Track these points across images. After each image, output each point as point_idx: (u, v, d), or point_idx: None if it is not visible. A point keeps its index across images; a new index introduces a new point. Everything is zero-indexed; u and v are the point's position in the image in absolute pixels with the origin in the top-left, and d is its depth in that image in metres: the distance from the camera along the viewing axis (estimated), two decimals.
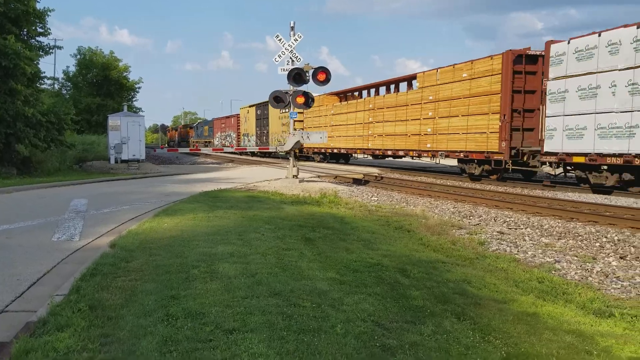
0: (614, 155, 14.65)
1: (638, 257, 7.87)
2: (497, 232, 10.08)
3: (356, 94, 32.96)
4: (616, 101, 14.61)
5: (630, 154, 14.13)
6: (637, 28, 14.18)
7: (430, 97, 22.71)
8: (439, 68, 22.41)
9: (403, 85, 26.89)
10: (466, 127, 20.48)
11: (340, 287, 5.41)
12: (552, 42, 17.01)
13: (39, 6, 20.18)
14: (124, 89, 54.62)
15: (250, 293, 5.03)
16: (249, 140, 47.07)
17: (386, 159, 29.71)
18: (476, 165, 20.60)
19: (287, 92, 16.43)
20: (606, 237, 9.09)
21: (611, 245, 8.64)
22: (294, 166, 17.02)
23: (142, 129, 29.34)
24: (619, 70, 14.54)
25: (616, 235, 9.19)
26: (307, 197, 13.98)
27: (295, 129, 17.03)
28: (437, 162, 24.05)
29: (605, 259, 7.92)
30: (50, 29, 21.22)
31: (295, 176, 16.93)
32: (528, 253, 8.35)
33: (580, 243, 8.97)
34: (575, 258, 7.97)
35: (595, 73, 15.24)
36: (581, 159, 15.78)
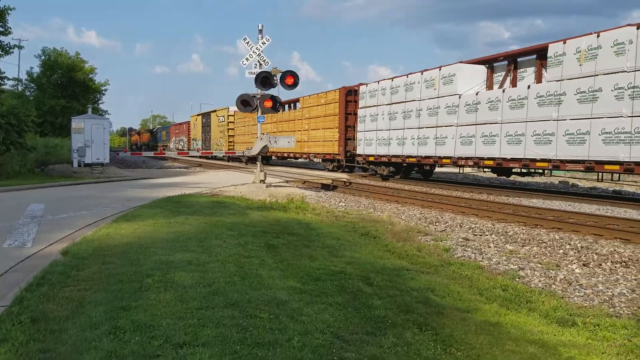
0: (384, 155, 23.74)
1: (600, 265, 7.90)
2: (463, 238, 10.05)
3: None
4: (384, 124, 23.73)
5: (390, 154, 23.31)
6: (392, 80, 23.30)
7: (306, 115, 31.92)
8: (311, 95, 31.66)
9: (297, 104, 34.47)
10: (323, 137, 29.65)
11: (301, 296, 5.23)
12: (361, 84, 26.25)
13: None
14: (90, 91, 53.53)
15: (206, 304, 4.81)
16: (196, 144, 54.26)
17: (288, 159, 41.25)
18: (330, 162, 30.14)
19: (254, 96, 16.22)
20: (569, 244, 9.12)
21: (574, 252, 8.66)
22: (261, 171, 16.78)
23: (106, 132, 28.73)
24: (385, 105, 23.70)
25: (579, 242, 9.23)
26: (273, 203, 13.77)
27: (263, 134, 16.78)
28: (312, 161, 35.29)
29: (569, 266, 7.93)
30: (10, 28, 20.57)
31: (263, 181, 16.70)
32: (492, 260, 8.31)
33: (544, 250, 8.99)
34: (539, 265, 7.96)
35: (375, 106, 24.46)
36: (372, 158, 25.08)
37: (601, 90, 13.81)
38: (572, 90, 14.57)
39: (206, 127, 50.59)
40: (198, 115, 55.47)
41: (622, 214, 12.89)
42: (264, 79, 15.47)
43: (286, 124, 34.92)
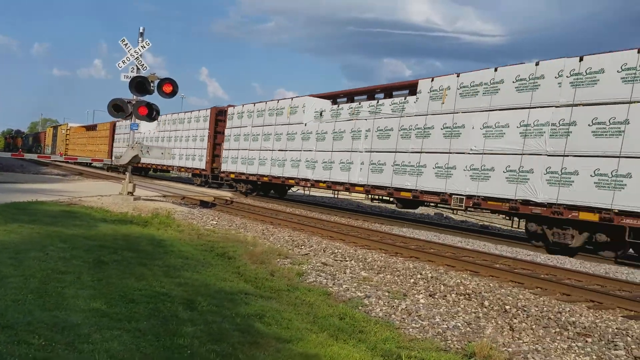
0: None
1: (445, 296, 7.91)
2: (322, 263, 9.80)
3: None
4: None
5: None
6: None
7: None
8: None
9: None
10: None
11: (99, 320, 4.61)
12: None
13: None
14: None
15: None
16: (48, 150, 64.55)
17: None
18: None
19: (129, 102, 15.27)
20: (421, 274, 9.13)
21: (424, 282, 8.66)
22: (129, 182, 15.75)
23: None
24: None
25: (431, 272, 9.27)
26: (135, 216, 12.88)
27: (136, 142, 15.82)
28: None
29: (415, 295, 7.87)
30: None
31: (131, 193, 15.67)
32: (342, 286, 8.08)
33: (396, 278, 8.92)
34: (387, 294, 7.83)
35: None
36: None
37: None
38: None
39: (55, 137, 63.77)
40: (51, 127, 73.96)
41: (481, 247, 13.33)
42: (139, 84, 14.60)
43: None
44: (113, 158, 27.71)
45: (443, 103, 15.82)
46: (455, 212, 18.56)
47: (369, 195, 19.12)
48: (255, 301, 6.34)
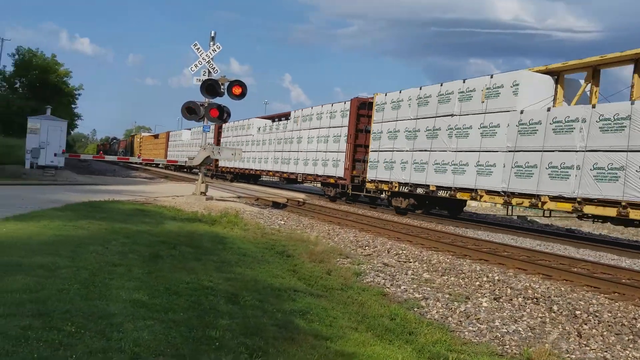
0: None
1: (511, 300, 7.39)
2: (383, 263, 9.52)
3: None
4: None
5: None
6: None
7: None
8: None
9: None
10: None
11: (136, 310, 4.62)
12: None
13: None
14: (63, 95, 52.57)
15: (12, 311, 4.18)
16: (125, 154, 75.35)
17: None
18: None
19: (202, 104, 15.68)
20: (487, 277, 8.61)
21: (489, 285, 8.16)
22: (202, 182, 16.16)
23: (63, 134, 27.89)
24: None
25: (498, 275, 8.72)
26: (205, 215, 13.14)
27: (208, 144, 16.21)
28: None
29: (479, 299, 7.42)
30: None
31: (203, 193, 16.06)
32: (400, 287, 7.78)
33: (460, 281, 8.47)
34: (448, 296, 7.44)
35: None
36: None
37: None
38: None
39: (132, 144, 77.82)
40: (130, 136, 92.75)
41: (561, 250, 12.47)
42: (210, 87, 14.95)
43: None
44: (167, 159, 28.75)
45: None
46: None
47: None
48: (303, 298, 6.19)
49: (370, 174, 20.92)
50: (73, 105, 58.93)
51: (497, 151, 14.89)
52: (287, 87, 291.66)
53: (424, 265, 9.62)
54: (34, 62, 50.33)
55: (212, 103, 15.48)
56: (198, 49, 15.57)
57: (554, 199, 13.04)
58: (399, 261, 9.91)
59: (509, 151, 14.45)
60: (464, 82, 16.66)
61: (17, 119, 46.56)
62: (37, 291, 4.78)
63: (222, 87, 15.12)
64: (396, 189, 19.18)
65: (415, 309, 6.71)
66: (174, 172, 50.01)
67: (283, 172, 29.50)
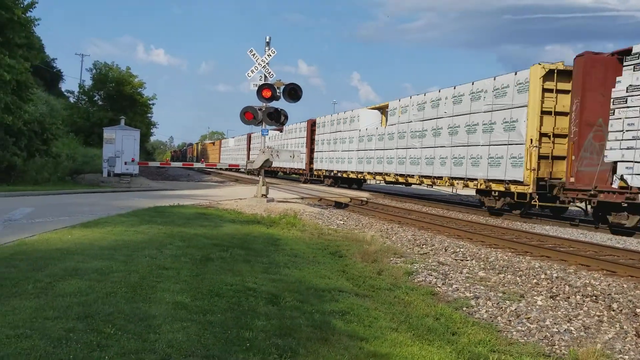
0: None
1: (568, 298, 7.08)
2: (438, 262, 9.35)
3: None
4: None
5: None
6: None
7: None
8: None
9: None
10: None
11: (176, 312, 4.80)
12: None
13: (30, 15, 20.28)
14: (138, 105, 55.08)
15: (61, 314, 4.46)
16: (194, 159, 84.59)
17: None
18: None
19: (260, 109, 15.99)
20: (545, 274, 8.28)
21: (547, 283, 7.85)
22: (263, 185, 16.47)
23: (136, 143, 29.24)
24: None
25: (557, 272, 8.37)
26: (264, 217, 13.41)
27: (267, 147, 16.51)
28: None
29: (534, 297, 7.16)
30: (41, 39, 21.28)
31: (264, 195, 16.38)
32: (452, 286, 7.63)
33: (517, 279, 8.20)
34: (501, 295, 7.22)
35: None
36: None
37: None
38: None
39: (197, 150, 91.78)
40: (195, 143, 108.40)
41: (634, 245, 11.77)
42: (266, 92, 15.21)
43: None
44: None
45: None
46: None
47: None
48: (346, 298, 6.20)
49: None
50: (148, 115, 61.70)
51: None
52: (355, 85, 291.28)
53: (481, 263, 9.38)
54: (110, 75, 53.05)
55: (269, 107, 15.75)
56: (254, 54, 15.89)
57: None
58: (455, 259, 9.71)
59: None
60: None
61: (96, 129, 49.36)
62: (86, 294, 5.07)
63: (278, 90, 15.35)
64: None
65: (464, 309, 6.56)
66: (243, 175, 51.20)
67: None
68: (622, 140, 12.58)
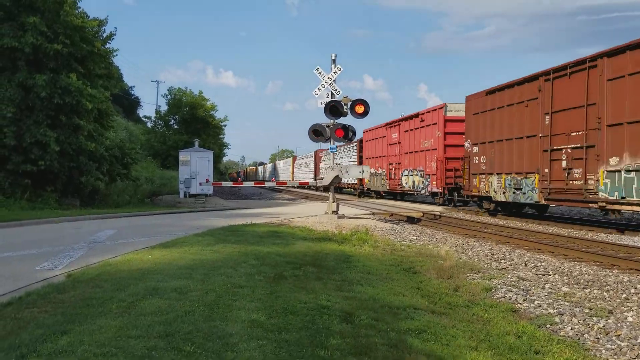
0: None
1: None
2: (518, 277, 8.98)
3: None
4: None
5: None
6: None
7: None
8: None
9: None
10: None
11: (252, 330, 4.85)
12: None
13: (109, 46, 21.53)
14: (210, 127, 57.01)
15: (143, 333, 4.60)
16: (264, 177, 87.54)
17: None
18: None
19: (328, 126, 16.10)
20: (636, 288, 7.77)
21: (638, 298, 7.35)
22: (333, 201, 16.51)
23: (210, 164, 30.14)
24: None
25: None
26: (335, 234, 13.41)
27: (337, 164, 16.55)
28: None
29: (624, 313, 6.72)
30: (119, 69, 22.50)
31: (335, 212, 16.40)
32: (534, 303, 7.29)
33: (604, 294, 7.73)
34: (587, 310, 6.83)
35: None
36: None
37: None
38: None
39: (258, 170, 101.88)
40: (253, 165, 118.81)
41: None
42: (333, 108, 15.33)
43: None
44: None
45: None
46: None
47: None
48: (422, 316, 6.06)
49: None
50: (221, 136, 63.70)
51: None
52: (422, 97, 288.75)
53: (565, 277, 8.93)
54: (184, 100, 55.33)
55: (337, 124, 15.83)
56: (320, 72, 16.06)
57: None
58: (537, 274, 9.29)
59: None
60: None
61: (172, 152, 51.47)
62: (166, 313, 5.22)
63: (345, 107, 15.41)
64: None
65: (548, 326, 6.24)
66: (313, 192, 51.65)
67: None
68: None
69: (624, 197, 13.91)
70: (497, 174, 19.66)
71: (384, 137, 32.76)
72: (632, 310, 6.80)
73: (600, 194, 14.70)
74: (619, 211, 15.10)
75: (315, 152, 51.76)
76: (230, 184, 27.46)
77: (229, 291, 6.33)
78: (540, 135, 17.09)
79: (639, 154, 13.55)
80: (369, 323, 5.49)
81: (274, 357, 4.23)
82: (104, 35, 21.54)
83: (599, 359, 5.16)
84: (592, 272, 9.16)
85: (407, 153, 29.05)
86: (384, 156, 32.66)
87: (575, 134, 15.67)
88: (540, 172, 17.11)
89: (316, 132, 15.92)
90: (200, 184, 24.98)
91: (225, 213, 21.05)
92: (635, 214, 19.70)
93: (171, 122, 56.69)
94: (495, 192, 19.90)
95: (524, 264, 10.25)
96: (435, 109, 25.80)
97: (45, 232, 13.21)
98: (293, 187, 60.99)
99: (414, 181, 27.91)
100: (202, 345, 4.35)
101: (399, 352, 4.65)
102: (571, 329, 6.13)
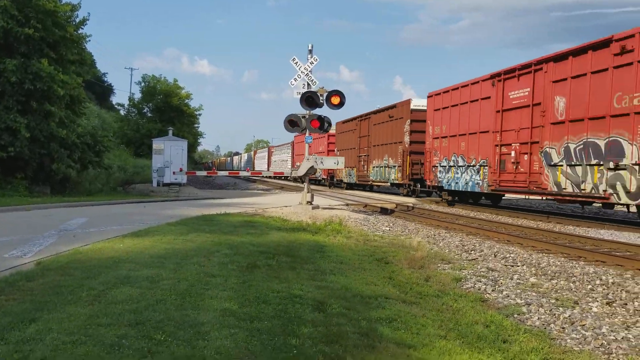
0: None
1: (626, 304, 6.80)
2: (487, 268, 9.15)
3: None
4: None
5: None
6: None
7: None
8: None
9: None
10: None
11: (224, 319, 4.86)
12: None
13: (81, 32, 21.10)
14: (185, 116, 56.39)
15: (114, 321, 4.58)
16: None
17: None
18: None
19: (303, 117, 16.09)
20: (601, 280, 7.98)
21: (603, 289, 7.56)
22: (307, 192, 16.54)
23: (184, 153, 29.88)
24: None
25: (613, 278, 8.06)
26: (309, 224, 13.45)
27: (311, 154, 16.58)
28: None
29: (589, 303, 6.91)
30: (92, 55, 22.11)
31: (309, 202, 16.43)
32: (502, 293, 7.44)
33: (571, 285, 7.93)
34: (554, 301, 7.01)
35: None
36: None
37: None
38: None
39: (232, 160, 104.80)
40: (229, 154, 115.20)
41: None
42: (309, 99, 15.32)
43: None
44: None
45: None
46: None
47: None
48: (393, 305, 6.14)
49: None
50: (195, 125, 63.08)
51: None
52: (398, 89, 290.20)
53: (532, 269, 9.12)
54: (158, 88, 54.58)
55: (313, 114, 15.83)
56: (296, 63, 16.03)
57: None
58: (505, 265, 9.48)
59: None
60: None
61: (146, 141, 50.81)
62: (138, 302, 5.20)
63: (321, 98, 15.42)
64: None
65: (515, 316, 6.39)
66: (288, 182, 51.62)
67: None
68: None
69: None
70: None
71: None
72: (597, 301, 6.99)
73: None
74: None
75: (292, 142, 51.79)
76: (204, 173, 27.26)
77: (202, 280, 6.32)
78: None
79: None
80: (340, 312, 5.54)
81: (245, 345, 4.25)
82: (77, 20, 21.13)
83: (564, 348, 5.30)
84: (559, 263, 9.38)
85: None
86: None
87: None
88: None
89: (292, 123, 15.90)
90: (174, 173, 24.79)
91: (199, 202, 20.90)
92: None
93: (145, 110, 55.93)
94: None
95: (493, 255, 10.44)
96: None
97: (14, 220, 12.96)
98: (269, 177, 60.78)
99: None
100: (173, 334, 4.34)
101: (370, 341, 4.71)
102: (538, 319, 6.28)
